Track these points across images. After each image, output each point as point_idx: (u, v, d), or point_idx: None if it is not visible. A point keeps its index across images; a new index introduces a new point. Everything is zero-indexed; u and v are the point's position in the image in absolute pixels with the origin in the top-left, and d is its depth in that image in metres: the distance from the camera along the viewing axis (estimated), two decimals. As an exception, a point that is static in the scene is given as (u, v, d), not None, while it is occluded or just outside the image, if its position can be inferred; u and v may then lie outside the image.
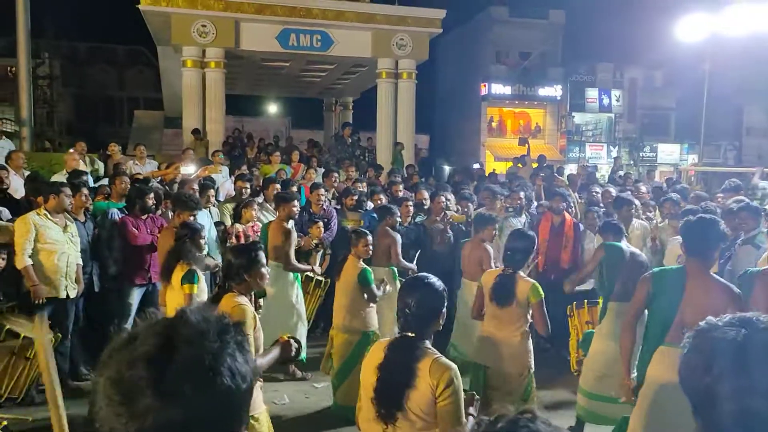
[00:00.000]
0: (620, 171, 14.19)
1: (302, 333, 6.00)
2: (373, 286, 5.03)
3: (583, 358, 5.23)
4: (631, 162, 25.24)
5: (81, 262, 5.63)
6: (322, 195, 7.35)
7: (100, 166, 9.81)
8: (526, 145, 16.39)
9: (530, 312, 4.18)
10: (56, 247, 5.36)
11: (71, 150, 9.31)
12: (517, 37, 26.86)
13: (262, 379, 3.25)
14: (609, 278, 5.05)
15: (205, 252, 4.91)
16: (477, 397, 2.64)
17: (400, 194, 8.32)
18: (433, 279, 2.68)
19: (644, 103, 27.22)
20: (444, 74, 30.72)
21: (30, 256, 5.25)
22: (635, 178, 12.37)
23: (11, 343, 4.74)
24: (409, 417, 2.47)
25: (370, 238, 5.19)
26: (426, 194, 8.07)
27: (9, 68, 27.64)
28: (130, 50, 38.46)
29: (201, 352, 0.96)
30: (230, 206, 7.23)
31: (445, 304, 2.65)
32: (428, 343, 2.57)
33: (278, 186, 7.54)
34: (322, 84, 18.85)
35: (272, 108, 31.76)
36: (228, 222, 6.87)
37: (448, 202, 7.61)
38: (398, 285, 5.51)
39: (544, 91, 26.60)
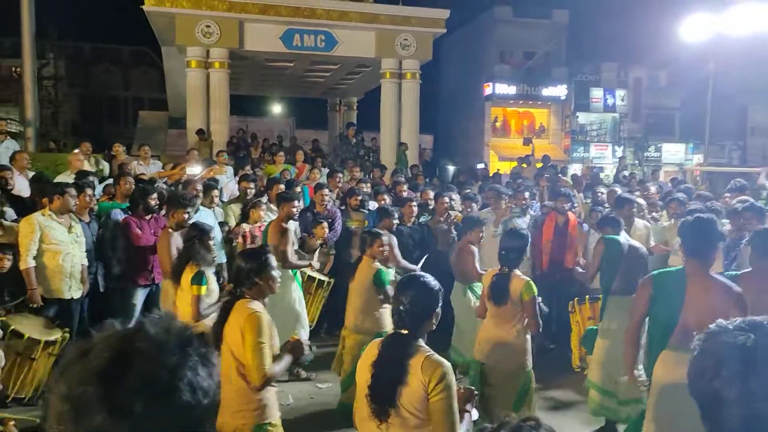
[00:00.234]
0: (625, 171, 14.14)
1: (303, 337, 5.98)
2: (389, 287, 5.01)
3: (586, 356, 5.21)
4: (636, 162, 25.14)
5: (86, 263, 5.64)
6: (326, 195, 7.35)
7: (105, 166, 9.81)
8: (531, 145, 16.41)
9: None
10: (61, 247, 5.38)
11: (76, 150, 9.31)
12: (521, 37, 26.77)
13: (275, 385, 3.22)
14: (609, 272, 5.02)
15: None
16: (476, 392, 2.64)
17: (404, 194, 8.31)
18: (429, 278, 2.69)
19: (649, 102, 27.11)
20: (448, 74, 30.69)
21: (35, 257, 5.26)
22: (640, 178, 12.33)
23: (16, 343, 4.74)
24: (402, 414, 2.47)
25: (385, 238, 5.18)
26: (431, 194, 8.07)
27: (14, 69, 27.75)
28: (135, 51, 38.50)
29: (156, 366, 0.92)
30: (234, 206, 7.21)
31: (440, 304, 2.65)
32: (422, 341, 2.57)
33: (282, 186, 7.51)
34: (326, 84, 18.85)
35: (276, 108, 31.77)
36: (232, 222, 6.86)
37: (452, 203, 7.60)
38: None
39: (548, 91, 26.50)
